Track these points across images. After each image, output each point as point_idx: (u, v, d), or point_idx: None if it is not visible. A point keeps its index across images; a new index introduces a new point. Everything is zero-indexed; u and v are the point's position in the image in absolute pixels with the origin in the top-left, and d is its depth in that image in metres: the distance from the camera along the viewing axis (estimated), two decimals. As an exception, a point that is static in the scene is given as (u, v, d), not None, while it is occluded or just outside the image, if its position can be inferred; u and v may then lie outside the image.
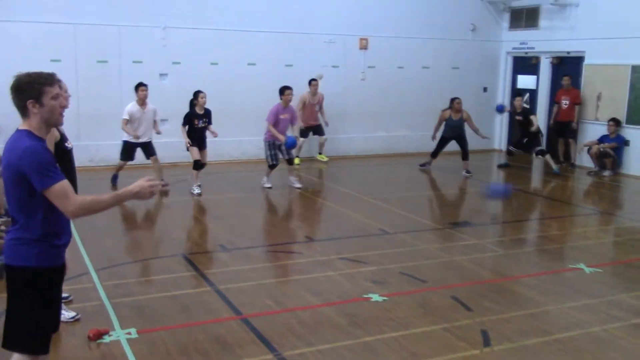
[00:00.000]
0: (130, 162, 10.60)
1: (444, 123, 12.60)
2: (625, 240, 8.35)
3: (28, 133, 3.23)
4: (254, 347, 4.81)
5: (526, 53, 15.31)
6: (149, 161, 10.53)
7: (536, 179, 13.07)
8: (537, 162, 14.00)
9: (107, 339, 4.85)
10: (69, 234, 3.47)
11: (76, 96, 9.05)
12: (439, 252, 7.37)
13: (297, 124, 10.95)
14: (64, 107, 3.39)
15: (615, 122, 12.68)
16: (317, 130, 13.39)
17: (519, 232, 8.86)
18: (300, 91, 12.99)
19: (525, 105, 13.46)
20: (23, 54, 10.79)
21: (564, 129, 13.59)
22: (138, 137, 10.12)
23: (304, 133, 13.23)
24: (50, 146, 4.57)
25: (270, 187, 10.59)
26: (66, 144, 5.36)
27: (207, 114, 10.15)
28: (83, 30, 11.72)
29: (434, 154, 12.82)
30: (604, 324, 5.39)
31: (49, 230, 3.27)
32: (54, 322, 3.48)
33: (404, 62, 14.64)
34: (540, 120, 13.84)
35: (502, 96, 15.96)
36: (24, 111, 3.26)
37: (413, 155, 14.68)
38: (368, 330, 5.13)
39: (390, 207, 9.56)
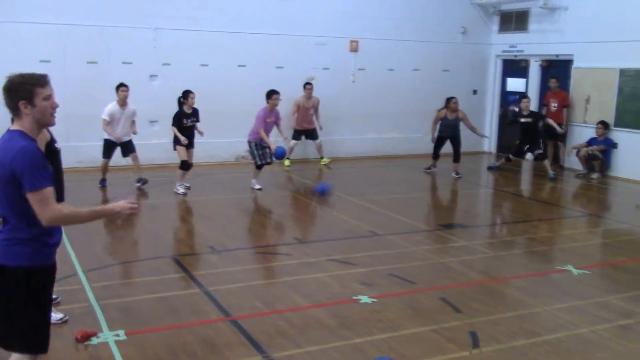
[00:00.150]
0: (122, 163, 10.57)
1: (439, 122, 12.56)
2: (613, 242, 8.40)
3: (21, 133, 3.26)
4: (243, 348, 4.81)
5: (515, 56, 15.39)
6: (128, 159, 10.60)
7: (525, 182, 13.13)
8: (526, 165, 14.07)
9: (95, 340, 4.82)
10: (60, 233, 3.49)
11: (65, 97, 9.01)
12: (428, 254, 7.38)
13: (281, 124, 10.98)
14: (55, 108, 3.39)
15: (604, 125, 12.76)
16: (311, 134, 13.35)
17: (508, 234, 8.90)
18: (290, 93, 12.99)
19: (531, 109, 13.24)
20: (12, 55, 10.71)
21: (552, 132, 13.63)
22: (120, 140, 10.23)
23: (297, 136, 13.22)
24: (42, 146, 4.57)
25: (260, 189, 10.59)
26: (55, 145, 5.35)
27: (195, 113, 10.20)
28: (73, 31, 11.66)
29: (435, 156, 12.76)
30: (592, 325, 5.42)
31: (41, 229, 3.28)
32: (49, 321, 3.49)
33: (394, 64, 14.67)
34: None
35: (492, 99, 16.04)
36: (15, 112, 3.29)
37: (403, 157, 14.73)
38: (357, 331, 5.13)
39: (380, 208, 9.57)
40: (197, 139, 10.52)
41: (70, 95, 10.80)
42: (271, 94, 10.53)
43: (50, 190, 3.21)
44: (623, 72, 12.64)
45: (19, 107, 3.25)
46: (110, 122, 10.13)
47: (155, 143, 12.27)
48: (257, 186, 10.63)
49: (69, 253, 6.81)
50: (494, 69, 15.98)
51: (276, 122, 10.75)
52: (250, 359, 4.65)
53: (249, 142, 10.62)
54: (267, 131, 10.55)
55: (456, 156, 12.50)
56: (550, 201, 11.08)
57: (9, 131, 3.31)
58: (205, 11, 12.71)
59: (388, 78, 14.64)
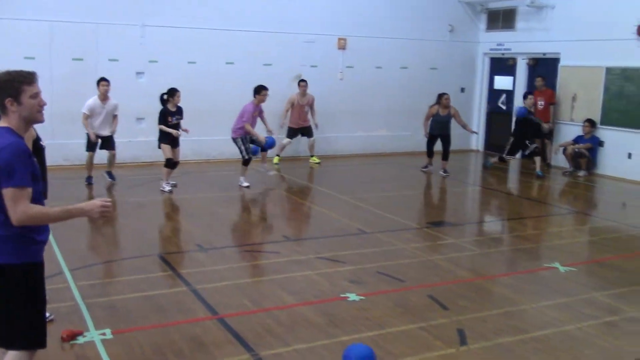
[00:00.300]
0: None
1: (431, 119, 12.53)
2: (599, 239, 8.46)
3: (9, 130, 3.26)
4: (231, 347, 4.79)
5: (503, 54, 15.46)
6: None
7: (513, 179, 13.19)
8: (514, 163, 14.11)
9: (81, 339, 4.78)
10: (48, 231, 3.48)
11: (51, 94, 8.92)
12: (416, 252, 7.39)
13: (267, 119, 11.03)
14: (43, 105, 3.36)
15: (591, 123, 12.85)
16: (306, 131, 13.31)
17: (496, 232, 8.93)
18: (278, 91, 12.97)
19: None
20: (-4, 51, 10.62)
21: (538, 130, 13.70)
22: (95, 138, 10.26)
23: (292, 134, 13.18)
24: (29, 144, 4.54)
25: (248, 186, 10.56)
26: (41, 142, 5.32)
27: (180, 111, 10.19)
28: (59, 28, 11.56)
29: (430, 154, 12.71)
30: (578, 322, 5.45)
31: (31, 226, 3.26)
32: (45, 316, 3.53)
33: (382, 62, 14.68)
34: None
35: (479, 97, 16.08)
36: (2, 109, 3.28)
37: (392, 154, 14.74)
38: (345, 329, 5.12)
39: (369, 206, 9.57)
40: (183, 136, 10.46)
41: (56, 92, 10.69)
42: (260, 90, 10.54)
43: (27, 191, 3.18)
44: (609, 71, 12.73)
45: (5, 105, 3.25)
46: (90, 116, 10.20)
47: (142, 141, 12.20)
48: (245, 184, 10.61)
49: (55, 251, 6.75)
50: (482, 67, 16.03)
51: (260, 116, 10.83)
52: (238, 358, 4.63)
53: (235, 139, 10.62)
54: (252, 125, 10.61)
55: (445, 154, 12.53)
56: (538, 199, 11.13)
57: None
58: (193, 8, 12.64)
59: (376, 76, 14.65)
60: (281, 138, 13.12)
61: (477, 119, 16.10)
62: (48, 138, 7.41)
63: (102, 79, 10.26)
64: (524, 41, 14.62)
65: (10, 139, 3.19)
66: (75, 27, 11.67)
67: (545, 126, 13.07)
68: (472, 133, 13.25)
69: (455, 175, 12.51)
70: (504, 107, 15.57)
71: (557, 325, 5.36)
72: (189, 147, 12.04)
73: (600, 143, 12.91)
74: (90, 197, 9.79)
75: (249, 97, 10.74)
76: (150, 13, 12.26)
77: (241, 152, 10.62)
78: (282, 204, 10.29)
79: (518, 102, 14.94)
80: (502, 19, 15.23)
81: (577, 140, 13.05)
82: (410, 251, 7.42)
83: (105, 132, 10.42)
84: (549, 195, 11.67)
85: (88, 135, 10.29)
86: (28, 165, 3.20)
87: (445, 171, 12.47)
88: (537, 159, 12.70)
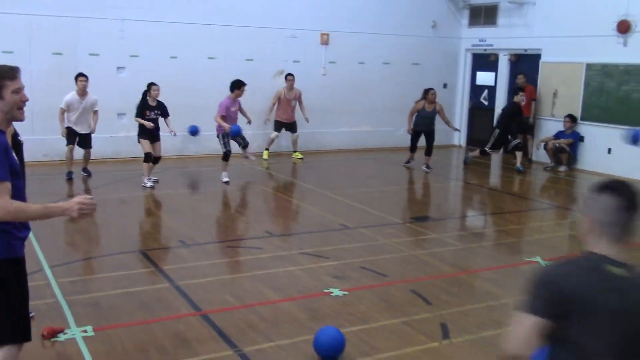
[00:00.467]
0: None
1: (416, 114, 12.49)
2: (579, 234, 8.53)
3: None
4: (214, 343, 4.77)
5: (485, 50, 15.54)
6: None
7: (494, 174, 13.28)
8: (495, 158, 14.20)
9: (62, 337, 4.74)
10: (29, 228, 3.45)
11: (30, 89, 8.76)
12: (399, 247, 7.42)
13: (244, 109, 11.02)
14: (25, 101, 3.31)
15: (571, 119, 12.97)
16: (290, 127, 13.24)
17: (478, 227, 8.99)
18: (260, 86, 12.94)
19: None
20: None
21: (521, 125, 13.81)
22: (63, 133, 10.24)
23: (279, 127, 13.13)
24: (9, 139, 4.47)
25: (227, 182, 10.52)
26: (19, 138, 5.24)
27: (160, 106, 10.13)
28: (37, 22, 11.40)
29: (412, 149, 12.70)
30: (559, 315, 5.49)
31: (13, 221, 3.24)
32: (28, 310, 3.53)
33: (364, 57, 14.69)
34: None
35: (462, 93, 16.16)
36: None
37: (375, 150, 14.77)
38: (328, 324, 5.11)
39: (352, 202, 9.58)
40: (165, 132, 10.40)
41: (35, 87, 10.53)
42: (240, 85, 10.50)
43: (6, 186, 3.12)
44: (589, 67, 12.85)
45: None
46: (68, 111, 10.19)
47: (123, 136, 12.09)
48: (225, 179, 10.56)
49: (35, 248, 6.67)
50: (464, 63, 16.10)
51: (240, 109, 10.80)
52: (221, 354, 4.61)
53: (218, 135, 10.59)
54: (233, 120, 10.57)
55: (428, 150, 12.55)
56: (519, 194, 11.22)
57: None
58: (174, 3, 12.54)
59: (359, 71, 14.65)
60: (268, 133, 13.10)
61: (460, 115, 16.18)
62: (28, 134, 7.31)
63: (80, 75, 10.24)
64: (505, 37, 14.71)
65: None
66: (54, 21, 11.52)
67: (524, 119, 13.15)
68: (454, 130, 13.30)
69: (438, 170, 12.56)
70: (485, 103, 15.67)
71: (539, 319, 5.40)
72: (170, 142, 11.94)
73: (581, 138, 13.04)
74: (70, 194, 9.70)
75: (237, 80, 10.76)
76: (130, 7, 12.12)
77: (221, 146, 10.61)
78: (265, 200, 10.27)
79: (499, 97, 15.07)
80: (484, 15, 15.30)
81: (558, 135, 13.17)
82: (393, 246, 7.44)
83: (84, 130, 10.39)
84: (530, 190, 11.77)
85: (67, 128, 10.26)
86: (7, 160, 3.15)
87: (428, 166, 12.52)
88: (519, 154, 12.78)
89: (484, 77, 15.75)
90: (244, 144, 10.75)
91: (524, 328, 2.34)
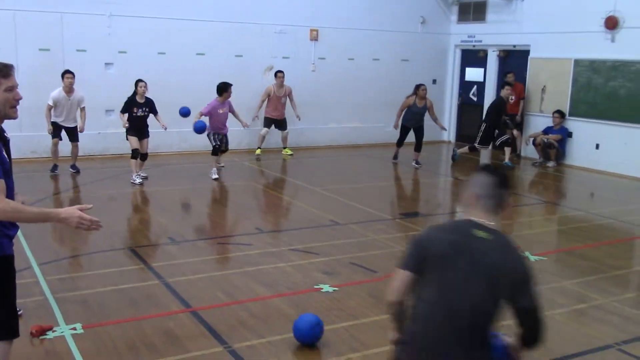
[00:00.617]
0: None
1: (406, 110, 12.47)
2: (568, 229, 8.60)
3: None
4: (204, 340, 4.76)
5: (474, 46, 15.58)
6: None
7: (483, 170, 13.29)
8: (484, 154, 14.26)
9: (50, 335, 4.71)
10: (17, 226, 3.43)
11: (18, 86, 8.73)
12: (389, 243, 7.43)
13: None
14: (18, 100, 3.27)
15: (561, 114, 13.04)
16: (280, 124, 13.14)
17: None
18: (249, 82, 12.91)
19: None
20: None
21: (510, 121, 13.89)
22: (51, 130, 10.24)
23: (267, 124, 13.08)
24: None
25: (217, 178, 10.50)
26: (5, 134, 5.20)
27: (148, 103, 10.10)
28: (23, 17, 11.31)
29: (399, 143, 12.72)
30: (548, 310, 5.49)
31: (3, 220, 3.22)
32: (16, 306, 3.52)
33: (354, 53, 14.68)
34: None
35: (451, 89, 16.21)
36: None
37: (364, 146, 14.78)
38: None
39: (341, 198, 9.59)
40: (154, 128, 10.37)
41: (22, 83, 10.24)
42: (227, 87, 10.53)
43: (1, 185, 3.11)
44: (577, 63, 12.92)
45: None
46: (55, 108, 10.18)
47: (112, 133, 12.04)
48: (215, 176, 10.55)
49: (23, 245, 6.63)
50: (453, 59, 16.14)
51: (231, 111, 10.78)
52: (211, 350, 4.61)
53: (207, 135, 10.63)
54: (223, 121, 10.63)
55: (418, 146, 12.57)
56: (508, 189, 11.25)
57: None
58: (163, -2, 12.48)
59: (348, 67, 14.65)
60: (256, 130, 13.08)
61: (449, 111, 16.23)
62: (15, 131, 7.26)
63: (67, 72, 10.22)
64: (494, 33, 14.76)
65: None
66: (40, 16, 11.43)
67: (506, 118, 13.19)
68: (442, 129, 13.31)
69: (427, 166, 12.59)
70: (475, 99, 15.72)
71: (528, 314, 5.44)
72: (159, 139, 11.90)
73: (569, 134, 13.12)
74: (57, 191, 9.65)
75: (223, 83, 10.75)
76: (117, 2, 12.04)
77: (211, 143, 10.67)
78: (255, 196, 10.26)
79: (488, 93, 15.12)
80: (473, 11, 15.34)
81: (547, 131, 13.24)
82: (383, 242, 7.45)
83: (69, 124, 10.42)
84: (519, 186, 11.81)
85: (53, 123, 10.27)
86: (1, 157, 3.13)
87: (417, 162, 12.54)
88: (507, 150, 12.84)
89: (473, 73, 15.80)
90: (224, 148, 10.81)
91: (397, 280, 2.88)
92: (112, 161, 11.76)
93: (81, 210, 3.24)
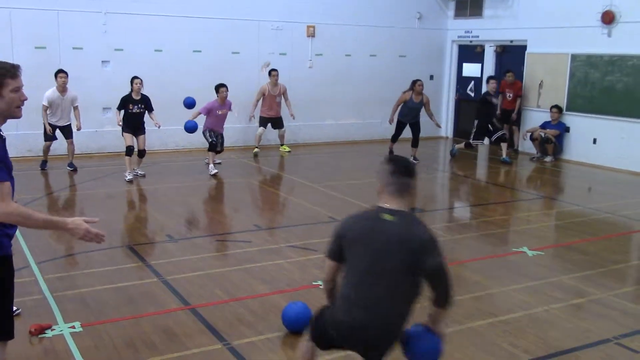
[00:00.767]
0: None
1: (402, 105, 12.46)
2: (566, 224, 8.61)
3: None
4: (203, 337, 4.76)
5: (471, 41, 15.57)
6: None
7: (481, 166, 13.34)
8: (482, 149, 14.28)
9: (49, 333, 4.71)
10: (15, 227, 3.42)
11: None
12: (387, 239, 7.43)
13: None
14: (23, 100, 3.28)
15: (558, 109, 13.05)
16: (276, 123, 13.03)
17: (465, 218, 9.04)
18: (246, 79, 12.89)
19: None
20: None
21: (508, 117, 13.93)
22: (52, 131, 10.34)
23: (264, 122, 13.03)
24: None
25: (215, 174, 10.53)
26: (1, 133, 5.20)
27: (144, 100, 10.11)
28: (19, 15, 11.28)
29: (394, 139, 12.75)
30: (546, 304, 5.55)
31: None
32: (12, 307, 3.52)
33: (351, 50, 14.67)
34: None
35: (448, 84, 16.20)
36: None
37: (361, 142, 14.78)
38: (317, 317, 5.13)
39: (339, 194, 9.59)
40: (151, 126, 10.35)
41: (18, 81, 10.45)
42: (219, 88, 10.68)
43: (8, 185, 3.12)
44: (574, 58, 12.92)
45: None
46: (50, 108, 10.21)
47: (109, 130, 12.02)
48: (213, 171, 10.58)
49: (21, 244, 6.63)
50: (450, 55, 16.13)
51: (230, 109, 10.86)
52: (210, 348, 4.61)
53: (203, 132, 10.72)
54: (221, 123, 10.81)
55: (415, 141, 12.57)
56: (506, 184, 11.29)
57: None
58: (159, -5, 12.45)
59: (345, 64, 14.64)
60: (252, 127, 13.05)
61: (446, 106, 16.23)
62: (12, 129, 7.24)
63: (60, 71, 10.22)
64: (491, 28, 14.75)
65: None
66: (36, 14, 11.39)
67: (497, 112, 13.27)
68: (437, 126, 13.30)
69: (424, 162, 12.59)
70: (472, 95, 15.72)
71: (526, 308, 5.46)
72: (156, 136, 11.91)
73: (567, 129, 13.13)
74: (54, 189, 9.64)
75: (217, 84, 10.76)
76: None
77: (207, 140, 10.74)
78: (253, 193, 10.25)
79: (486, 89, 15.08)
80: (469, 6, 15.32)
81: (544, 126, 13.25)
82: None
83: (62, 122, 10.49)
84: (517, 181, 11.84)
85: (45, 125, 10.31)
86: (5, 158, 3.14)
87: (415, 158, 12.53)
88: (504, 145, 12.86)
89: (470, 69, 15.79)
90: (220, 148, 10.93)
91: (326, 267, 3.41)
92: (110, 159, 11.75)
93: (87, 222, 3.29)
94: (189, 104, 10.44)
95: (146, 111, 10.22)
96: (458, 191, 11.04)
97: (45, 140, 10.47)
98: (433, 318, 3.31)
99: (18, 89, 3.21)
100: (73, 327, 4.83)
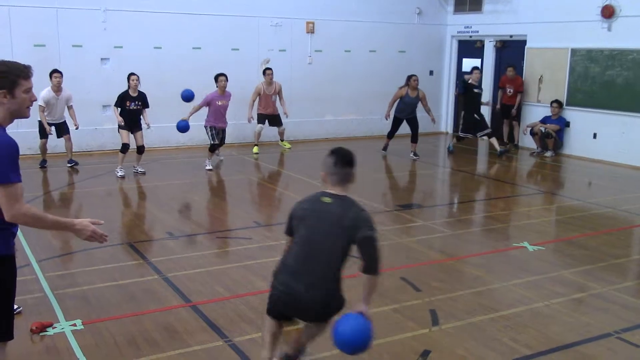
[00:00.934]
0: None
1: (398, 101, 12.47)
2: (566, 218, 8.61)
3: None
4: (204, 334, 4.77)
5: (470, 37, 15.54)
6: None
7: (481, 161, 13.33)
8: (482, 145, 14.28)
9: (51, 331, 4.72)
10: (17, 225, 3.40)
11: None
12: (387, 234, 7.43)
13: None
14: (33, 101, 3.30)
15: (559, 104, 13.04)
16: (274, 121, 12.95)
17: (466, 213, 9.03)
18: (246, 75, 12.87)
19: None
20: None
21: (508, 112, 13.92)
22: (50, 131, 10.37)
23: (260, 120, 12.99)
24: None
25: (211, 169, 10.61)
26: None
27: (141, 97, 10.12)
28: (18, 13, 11.26)
29: (390, 135, 12.77)
30: (547, 299, 5.55)
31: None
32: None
33: (350, 45, 14.65)
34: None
35: (448, 80, 16.18)
36: None
37: (361, 138, 14.77)
38: (318, 313, 5.13)
39: (339, 190, 9.57)
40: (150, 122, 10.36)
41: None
42: (217, 77, 10.72)
43: (21, 186, 3.14)
44: (574, 52, 12.90)
45: None
46: (46, 108, 10.23)
47: (108, 128, 12.01)
48: (209, 167, 10.64)
49: (22, 242, 6.63)
50: (450, 50, 16.10)
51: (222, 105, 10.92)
52: (211, 344, 4.61)
53: (205, 127, 10.68)
54: (222, 115, 10.77)
55: (414, 137, 12.58)
56: (506, 179, 11.28)
57: None
58: (158, -8, 12.42)
59: (345, 59, 14.62)
60: (250, 125, 13.03)
61: (446, 102, 16.22)
62: (13, 127, 7.21)
63: (55, 71, 10.26)
64: (491, 23, 14.72)
65: (2, 135, 3.12)
66: (35, 12, 11.37)
67: (484, 102, 13.30)
68: (432, 121, 13.30)
69: (424, 157, 12.59)
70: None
71: (526, 303, 5.46)
72: (156, 133, 11.90)
73: (567, 124, 13.11)
74: (54, 187, 9.64)
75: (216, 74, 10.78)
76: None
77: (209, 138, 10.72)
78: (253, 190, 10.25)
79: (485, 84, 15.07)
80: (469, 2, 15.29)
81: (544, 120, 13.24)
82: (381, 234, 7.37)
83: (57, 120, 10.53)
84: (517, 176, 11.83)
85: (40, 122, 10.31)
86: (17, 159, 3.16)
87: (415, 154, 12.54)
88: (493, 140, 12.95)
89: (470, 64, 15.73)
90: (221, 142, 10.98)
91: (285, 244, 3.96)
92: (110, 157, 11.74)
93: (93, 224, 3.38)
94: (187, 96, 10.41)
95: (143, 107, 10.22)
96: (458, 186, 11.04)
97: (41, 138, 10.51)
98: (364, 291, 3.81)
99: (29, 90, 3.23)
100: (74, 324, 4.83)
